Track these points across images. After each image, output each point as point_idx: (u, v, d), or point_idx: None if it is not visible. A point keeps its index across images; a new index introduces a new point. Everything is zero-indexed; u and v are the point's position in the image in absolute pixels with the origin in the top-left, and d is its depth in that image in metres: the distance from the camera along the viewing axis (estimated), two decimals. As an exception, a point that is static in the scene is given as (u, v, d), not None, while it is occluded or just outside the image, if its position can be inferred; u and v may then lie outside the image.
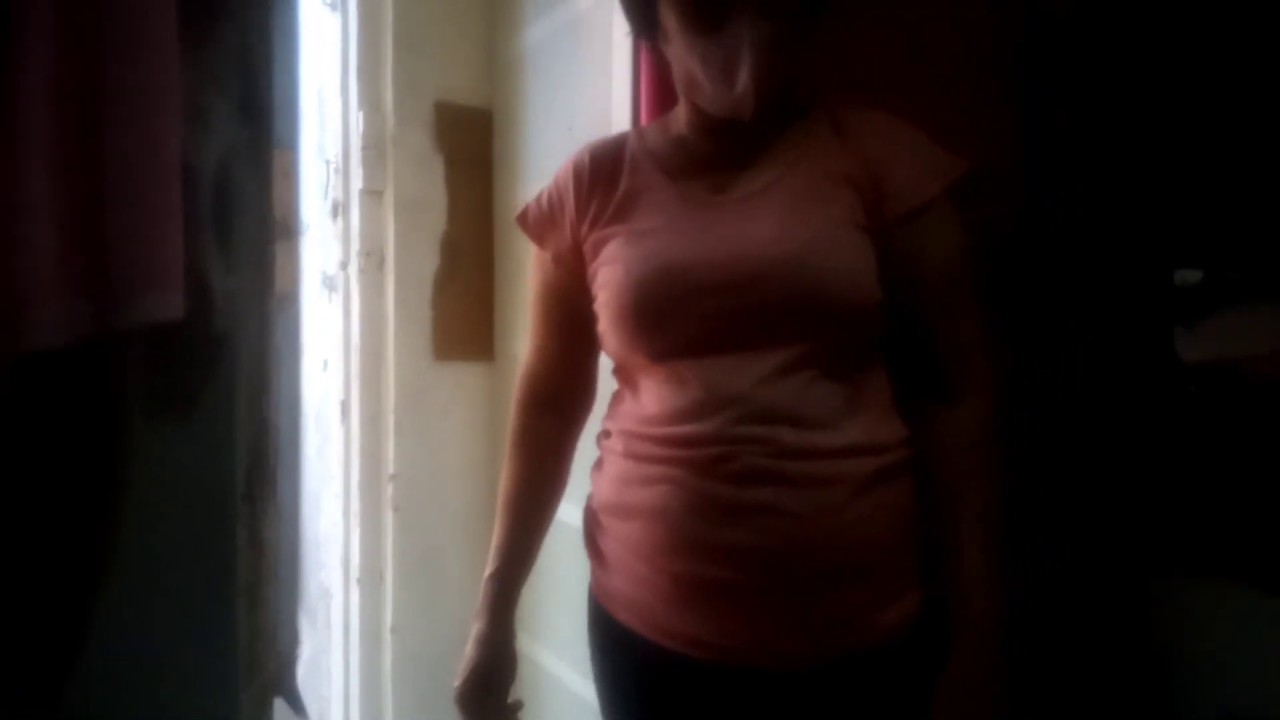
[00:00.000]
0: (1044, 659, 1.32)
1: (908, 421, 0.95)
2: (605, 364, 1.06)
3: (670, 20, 0.92)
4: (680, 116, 1.00)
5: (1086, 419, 1.40)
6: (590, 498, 1.04)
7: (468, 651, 1.05)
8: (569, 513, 1.48)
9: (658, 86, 1.24)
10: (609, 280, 0.95)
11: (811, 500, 0.86)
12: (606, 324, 0.96)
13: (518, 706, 1.09)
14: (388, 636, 1.81)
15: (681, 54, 0.92)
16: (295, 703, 2.28)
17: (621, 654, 0.99)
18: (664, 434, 0.92)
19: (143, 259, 0.61)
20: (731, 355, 0.89)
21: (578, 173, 1.02)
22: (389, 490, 1.81)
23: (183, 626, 0.66)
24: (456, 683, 1.03)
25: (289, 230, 2.24)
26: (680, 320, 0.91)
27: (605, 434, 1.02)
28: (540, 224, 1.06)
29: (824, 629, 0.88)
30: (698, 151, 0.98)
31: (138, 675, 0.63)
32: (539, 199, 1.06)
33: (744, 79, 0.87)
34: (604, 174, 1.01)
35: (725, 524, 0.87)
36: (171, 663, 0.64)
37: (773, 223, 0.90)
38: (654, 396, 0.94)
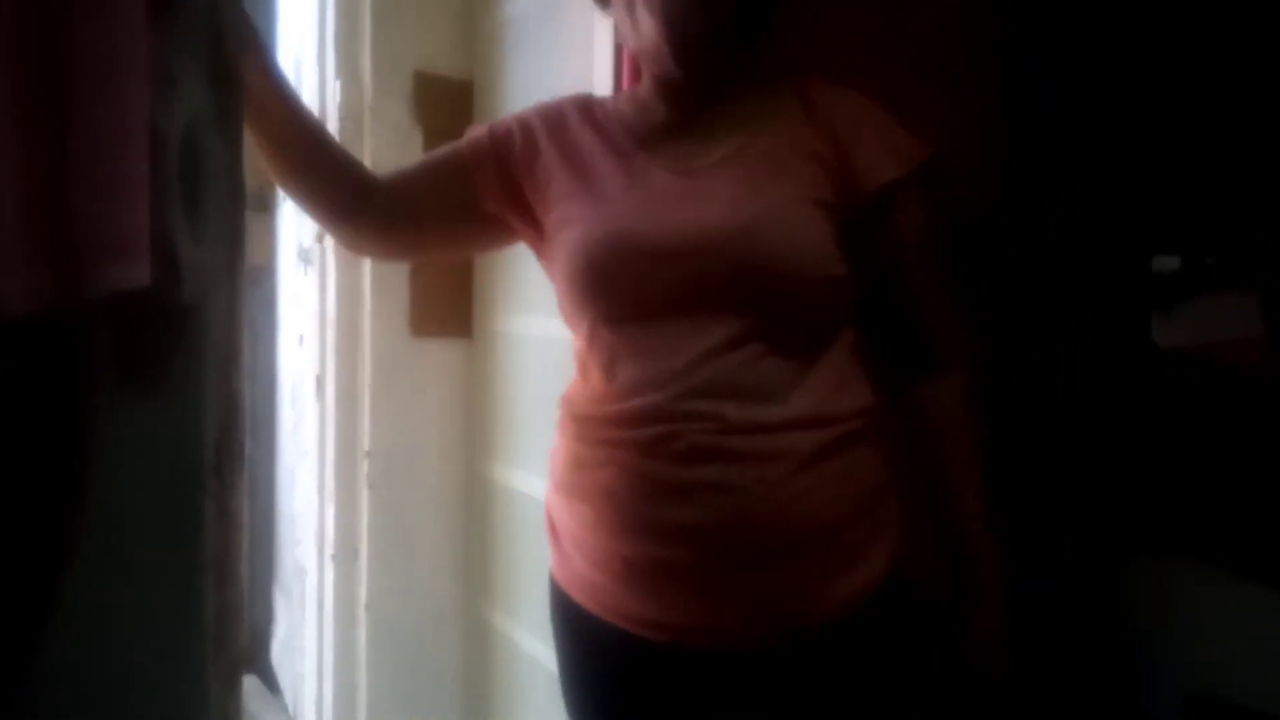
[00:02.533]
0: (1013, 640, 1.34)
1: (885, 393, 0.97)
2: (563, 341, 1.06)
3: None
4: (644, 83, 1.00)
5: (1060, 402, 1.42)
6: (549, 483, 1.04)
7: None
8: (541, 488, 1.48)
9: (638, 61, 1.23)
10: (566, 241, 0.95)
11: (756, 475, 0.86)
12: (561, 285, 0.97)
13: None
14: (362, 614, 1.80)
15: (616, 9, 0.94)
16: (269, 679, 2.27)
17: (580, 637, 0.99)
18: (611, 413, 0.92)
19: (108, 227, 0.59)
20: (678, 325, 0.89)
21: (554, 117, 1.04)
22: (364, 466, 1.79)
23: (148, 603, 0.65)
24: None
25: (264, 203, 2.21)
26: (628, 284, 0.91)
27: (560, 416, 1.03)
28: (483, 150, 1.05)
29: (774, 603, 0.88)
30: (660, 119, 0.98)
31: (100, 651, 0.62)
32: (494, 131, 1.06)
33: (666, 33, 0.89)
34: (572, 130, 1.02)
35: (671, 504, 0.87)
36: (136, 639, 0.63)
37: (725, 194, 0.90)
38: (603, 373, 0.94)
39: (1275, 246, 1.20)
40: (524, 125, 1.04)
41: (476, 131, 1.07)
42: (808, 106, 0.95)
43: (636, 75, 1.23)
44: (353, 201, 1.05)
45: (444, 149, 1.09)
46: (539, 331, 1.64)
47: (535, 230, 1.04)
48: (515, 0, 1.73)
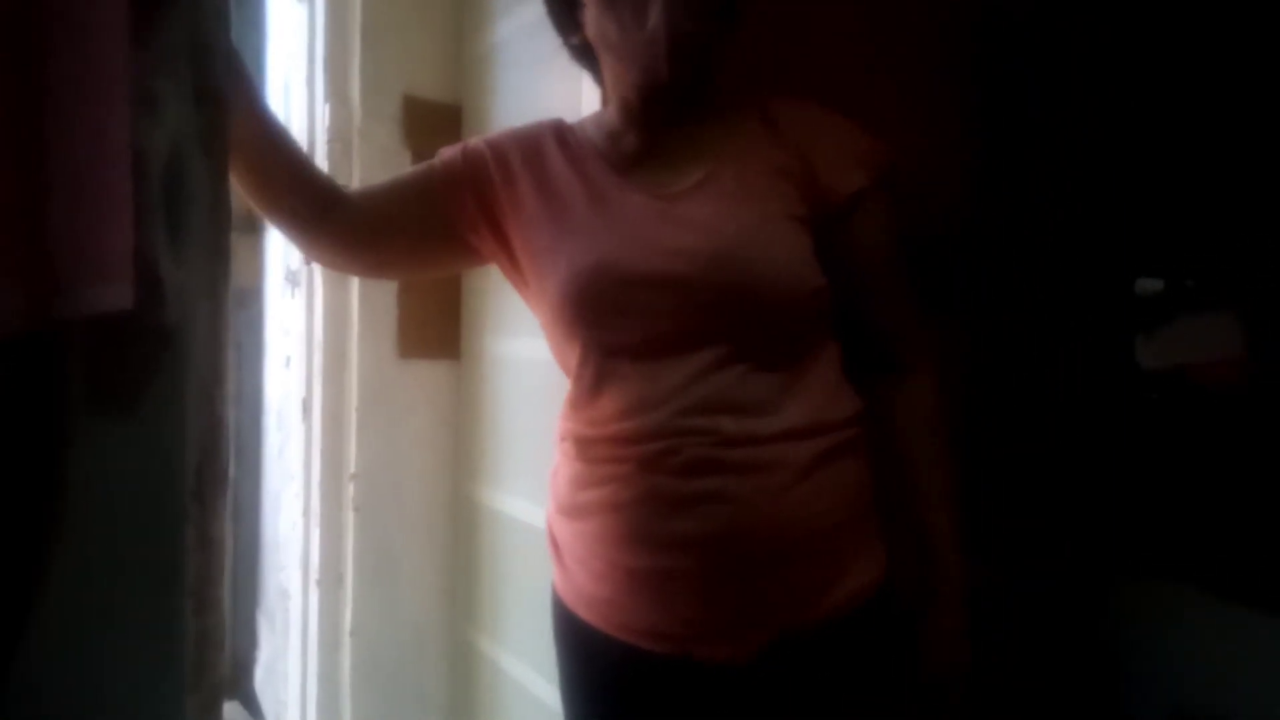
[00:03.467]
0: (999, 658, 1.33)
1: (861, 396, 0.99)
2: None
3: None
4: (612, 108, 1.01)
5: (1046, 424, 1.42)
6: (550, 502, 1.04)
7: None
8: (529, 512, 1.47)
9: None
10: (550, 272, 0.96)
11: (754, 485, 0.88)
12: (549, 315, 0.98)
13: None
14: (347, 639, 1.77)
15: (596, 14, 0.93)
16: (252, 706, 2.24)
17: (585, 652, 0.99)
18: (612, 433, 0.93)
19: (89, 248, 0.58)
20: (670, 349, 0.90)
21: (529, 143, 1.04)
22: (350, 490, 1.78)
23: (126, 630, 0.63)
24: None
25: (253, 224, 2.21)
26: (618, 315, 0.92)
27: (560, 438, 1.03)
28: (456, 170, 1.05)
29: (772, 610, 0.90)
30: (631, 147, 0.99)
31: (78, 680, 0.60)
32: (467, 151, 1.06)
33: (655, 17, 0.88)
34: (547, 157, 1.02)
35: (673, 515, 0.89)
36: (114, 667, 0.62)
37: (703, 219, 0.92)
38: (601, 395, 0.95)
39: (1255, 268, 1.21)
40: (497, 148, 1.04)
41: (449, 152, 1.07)
42: (769, 124, 0.97)
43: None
44: (316, 213, 1.04)
45: (416, 168, 1.10)
46: (528, 353, 1.63)
47: (505, 252, 1.04)
48: (504, 24, 1.73)
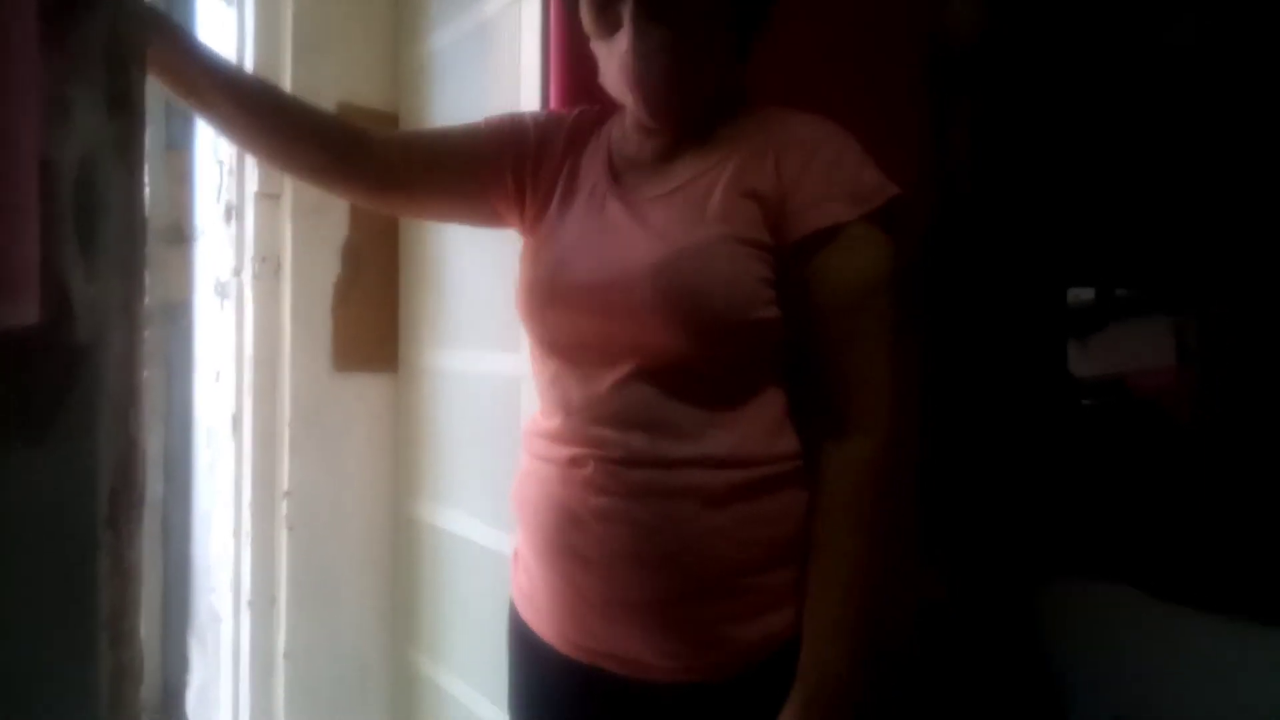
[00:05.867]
0: (935, 665, 1.34)
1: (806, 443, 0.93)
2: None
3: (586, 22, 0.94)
4: (628, 111, 1.01)
5: (981, 429, 1.45)
6: None
7: None
8: (472, 529, 1.44)
9: (566, 92, 1.22)
10: (523, 260, 1.00)
11: (656, 510, 0.86)
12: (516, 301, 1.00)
13: None
14: (280, 663, 1.72)
15: (595, 46, 0.95)
16: (181, 734, 2.15)
17: (522, 650, 1.01)
18: (543, 429, 0.96)
19: (-9, 263, 0.55)
20: (599, 355, 0.91)
21: (572, 131, 1.04)
22: (283, 507, 1.72)
23: (36, 666, 0.60)
24: None
25: (182, 235, 2.13)
26: (554, 313, 0.93)
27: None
28: (504, 139, 1.05)
29: (682, 641, 0.87)
30: (635, 147, 0.99)
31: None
32: (516, 123, 1.06)
33: (633, 86, 0.90)
34: (579, 147, 1.03)
35: (578, 530, 0.89)
36: (23, 705, 0.59)
37: (655, 231, 0.90)
38: (543, 390, 0.98)
39: (1185, 278, 1.25)
40: (543, 131, 1.04)
41: (497, 118, 1.07)
42: (767, 137, 0.91)
43: (563, 104, 1.23)
44: (339, 162, 1.04)
45: (459, 128, 1.09)
46: (469, 366, 1.61)
47: (521, 227, 1.06)
48: (441, 34, 1.71)
